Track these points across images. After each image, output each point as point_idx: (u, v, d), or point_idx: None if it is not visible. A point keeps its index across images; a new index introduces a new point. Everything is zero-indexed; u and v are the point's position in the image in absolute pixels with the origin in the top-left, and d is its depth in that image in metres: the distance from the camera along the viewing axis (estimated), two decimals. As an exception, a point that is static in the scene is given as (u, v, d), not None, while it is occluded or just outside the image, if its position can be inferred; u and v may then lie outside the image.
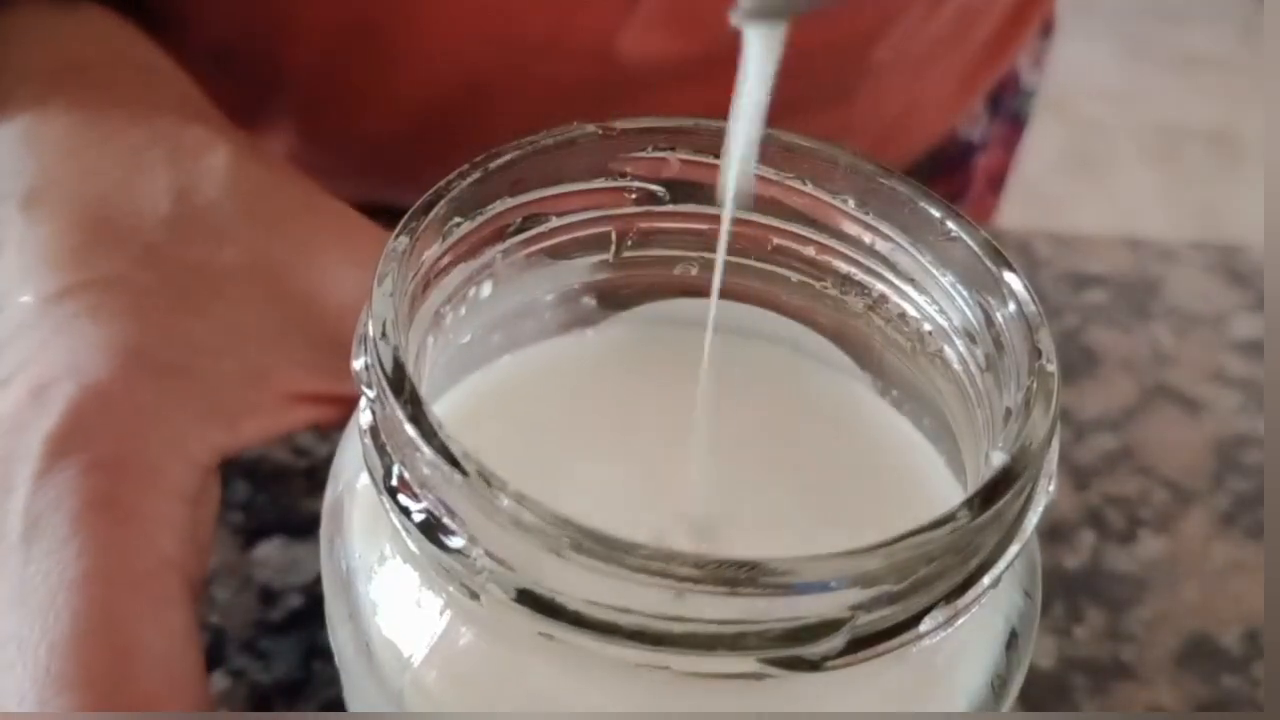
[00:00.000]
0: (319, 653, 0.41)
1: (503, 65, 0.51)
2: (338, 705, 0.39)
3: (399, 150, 0.52)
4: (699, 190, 0.29)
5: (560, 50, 0.50)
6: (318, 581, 0.42)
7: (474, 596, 0.23)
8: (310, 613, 0.42)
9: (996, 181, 0.73)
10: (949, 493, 0.28)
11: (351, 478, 0.27)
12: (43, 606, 0.28)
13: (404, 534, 0.24)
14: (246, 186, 0.37)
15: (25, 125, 0.39)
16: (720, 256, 0.27)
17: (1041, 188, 1.87)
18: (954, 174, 0.69)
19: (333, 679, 0.40)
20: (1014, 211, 0.73)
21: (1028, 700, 0.42)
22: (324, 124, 0.53)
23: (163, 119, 0.39)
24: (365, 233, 0.37)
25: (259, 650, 0.41)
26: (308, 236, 0.37)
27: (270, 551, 0.43)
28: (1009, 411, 0.24)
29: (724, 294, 0.30)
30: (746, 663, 0.22)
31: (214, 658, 0.35)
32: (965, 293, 0.26)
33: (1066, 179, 1.99)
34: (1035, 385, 0.24)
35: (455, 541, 0.23)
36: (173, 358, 0.33)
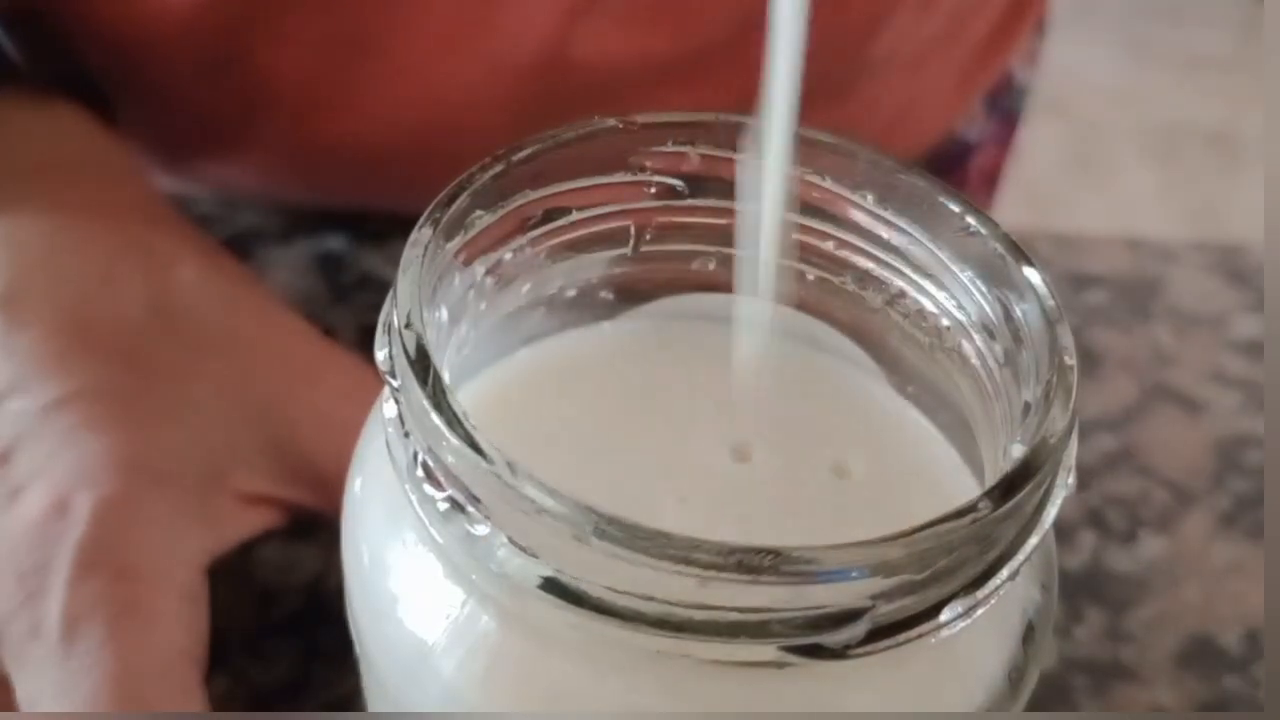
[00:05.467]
0: (319, 653, 0.41)
1: (491, 79, 0.51)
2: (338, 705, 0.40)
3: (389, 161, 0.53)
4: (718, 185, 0.29)
5: (542, 61, 0.51)
6: (318, 581, 0.42)
7: (497, 585, 0.23)
8: (310, 613, 0.42)
9: (991, 179, 0.73)
10: (964, 488, 0.28)
11: (373, 469, 0.27)
12: (87, 699, 0.32)
13: (427, 523, 0.24)
14: (213, 299, 0.41)
15: (1, 226, 0.42)
16: (766, 258, 0.27)
17: (1041, 188, 1.88)
18: (951, 173, 0.69)
19: (332, 679, 0.40)
20: (1014, 211, 0.73)
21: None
22: (315, 134, 0.53)
23: (132, 225, 0.43)
24: (315, 349, 0.42)
25: (259, 650, 0.41)
26: (264, 351, 0.41)
27: (270, 551, 0.43)
28: (1028, 406, 0.24)
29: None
30: (767, 651, 0.22)
31: (214, 658, 0.35)
32: (984, 288, 0.27)
33: (1066, 179, 2.00)
34: (1055, 380, 0.24)
35: (479, 529, 0.23)
36: (163, 466, 0.36)
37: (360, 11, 0.49)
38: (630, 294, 0.30)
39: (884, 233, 0.28)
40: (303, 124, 0.53)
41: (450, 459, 0.23)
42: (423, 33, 0.49)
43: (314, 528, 0.41)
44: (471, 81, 0.51)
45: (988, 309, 0.27)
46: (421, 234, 0.25)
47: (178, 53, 0.51)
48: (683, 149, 0.28)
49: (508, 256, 0.28)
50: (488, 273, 0.28)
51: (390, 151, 0.53)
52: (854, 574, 0.22)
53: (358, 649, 0.28)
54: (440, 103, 0.52)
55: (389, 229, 0.52)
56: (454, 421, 0.23)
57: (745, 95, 0.54)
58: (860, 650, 0.22)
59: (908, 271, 0.28)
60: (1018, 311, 0.26)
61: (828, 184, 0.28)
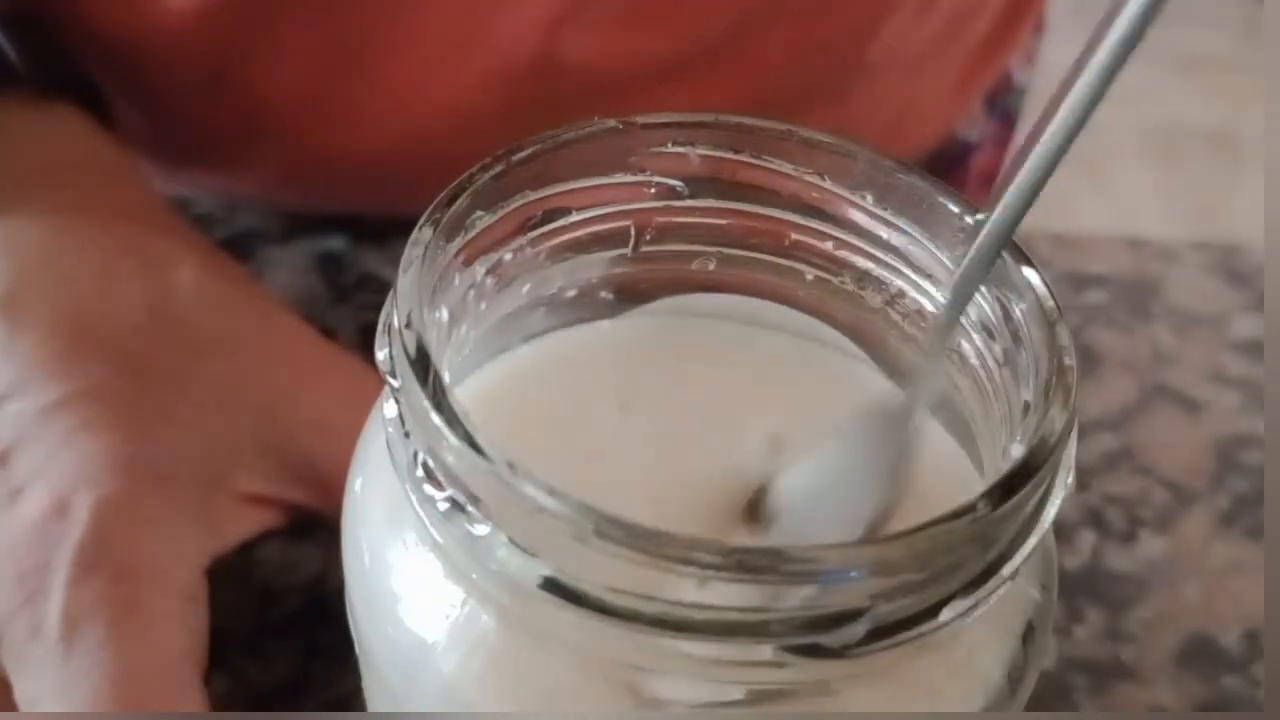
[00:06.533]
0: (319, 653, 0.41)
1: (486, 86, 0.51)
2: (338, 705, 0.40)
3: (387, 172, 0.53)
4: (718, 185, 0.29)
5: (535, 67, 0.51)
6: (318, 581, 0.42)
7: (497, 585, 0.23)
8: (310, 613, 0.42)
9: (991, 179, 0.73)
10: (965, 487, 0.28)
11: (374, 470, 0.27)
12: (88, 699, 0.32)
13: (428, 523, 0.24)
14: (211, 300, 0.41)
15: (0, 228, 0.42)
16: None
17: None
18: (951, 174, 0.69)
19: (332, 679, 0.40)
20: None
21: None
22: (312, 146, 0.53)
23: (131, 227, 0.43)
24: (315, 350, 0.42)
25: (259, 650, 0.41)
26: (264, 351, 0.41)
27: (270, 551, 0.43)
28: (1027, 405, 0.24)
29: (741, 288, 0.30)
30: (767, 651, 0.22)
31: (214, 658, 0.35)
32: (982, 288, 0.27)
33: (1066, 179, 1.99)
34: (1054, 379, 0.24)
35: (480, 529, 0.23)
36: (163, 467, 0.36)
37: (352, 26, 0.49)
38: (630, 294, 0.31)
39: (883, 233, 0.28)
40: (300, 138, 0.53)
41: (450, 459, 0.23)
42: (416, 45, 0.50)
43: (314, 528, 0.41)
44: (467, 91, 0.51)
45: (987, 309, 0.27)
46: (422, 234, 0.25)
47: (174, 66, 0.51)
48: (683, 149, 0.28)
49: (508, 257, 0.28)
50: (488, 273, 0.28)
51: (388, 163, 0.53)
52: (853, 574, 0.22)
53: (358, 648, 0.28)
54: (437, 113, 0.52)
55: (389, 229, 0.52)
56: (454, 421, 0.23)
57: (743, 97, 0.55)
58: (860, 650, 0.22)
59: (907, 271, 0.28)
60: (1017, 311, 0.26)
61: (827, 184, 0.28)
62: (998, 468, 0.24)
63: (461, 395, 0.24)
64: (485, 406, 0.28)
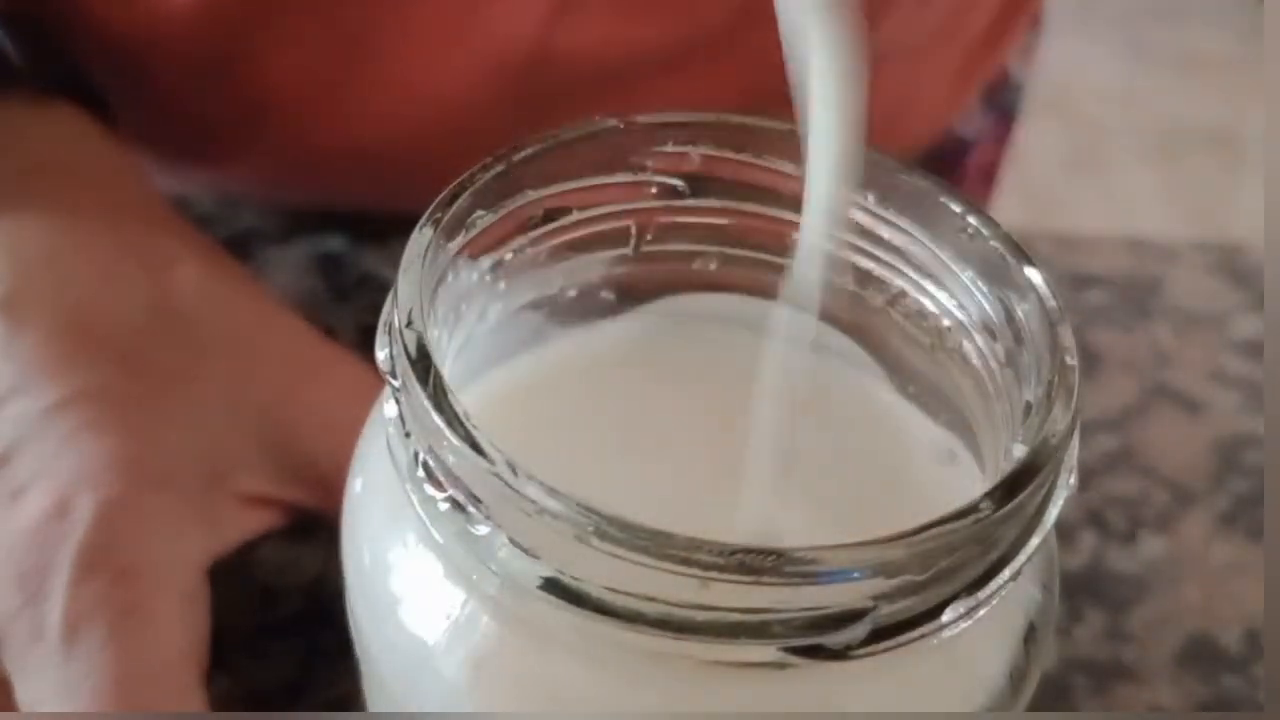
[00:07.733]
0: (319, 653, 0.41)
1: (485, 78, 0.51)
2: (338, 705, 0.40)
3: (389, 163, 0.53)
4: (719, 185, 0.29)
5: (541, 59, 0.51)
6: (318, 581, 0.42)
7: (498, 585, 0.23)
8: (310, 613, 0.42)
9: (988, 176, 0.73)
10: (967, 487, 0.28)
11: (373, 471, 0.27)
12: (89, 700, 0.32)
13: (428, 523, 0.24)
14: (213, 300, 0.41)
15: (1, 228, 0.42)
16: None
17: (1041, 188, 1.88)
18: (949, 170, 0.69)
19: (332, 679, 0.40)
20: (1014, 211, 0.73)
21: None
22: (312, 138, 0.53)
23: (132, 227, 0.43)
24: (315, 349, 0.42)
25: (259, 650, 0.41)
26: (264, 351, 0.41)
27: (270, 551, 0.43)
28: (1029, 406, 0.24)
29: (742, 289, 0.30)
30: (769, 652, 0.22)
31: (214, 658, 0.35)
32: (985, 288, 0.27)
33: (1066, 179, 2.00)
34: (1056, 379, 0.24)
35: (480, 530, 0.23)
36: (164, 467, 0.36)
37: (351, 17, 0.49)
38: (631, 294, 0.31)
39: (885, 233, 0.28)
40: (301, 128, 0.53)
41: (451, 459, 0.23)
42: (413, 35, 0.50)
43: (314, 528, 0.41)
44: (466, 81, 0.51)
45: (989, 309, 0.27)
46: (423, 234, 0.25)
47: (176, 57, 0.51)
48: (684, 149, 0.28)
49: (509, 256, 0.28)
50: (489, 272, 0.28)
51: (390, 154, 0.53)
52: (856, 574, 0.22)
53: (358, 649, 0.28)
54: (436, 103, 0.52)
55: (389, 229, 0.52)
56: (455, 421, 0.23)
57: (745, 87, 0.55)
58: (862, 651, 0.22)
59: (909, 272, 0.28)
60: (1019, 312, 0.26)
61: (828, 183, 0.28)
62: (1000, 468, 0.24)
63: (462, 397, 0.24)
64: (484, 411, 0.28)
